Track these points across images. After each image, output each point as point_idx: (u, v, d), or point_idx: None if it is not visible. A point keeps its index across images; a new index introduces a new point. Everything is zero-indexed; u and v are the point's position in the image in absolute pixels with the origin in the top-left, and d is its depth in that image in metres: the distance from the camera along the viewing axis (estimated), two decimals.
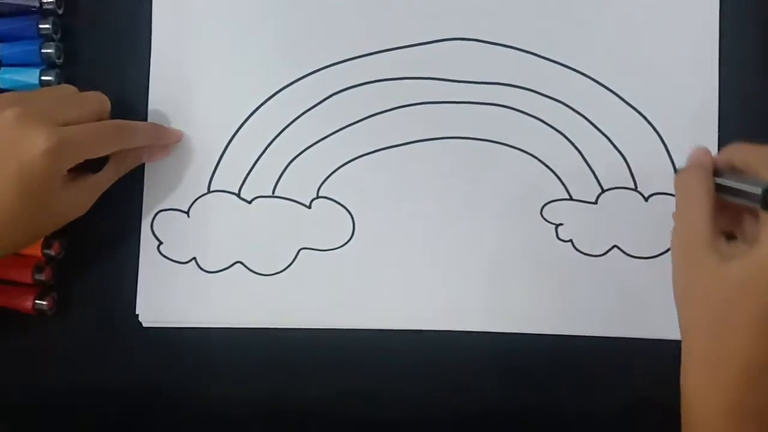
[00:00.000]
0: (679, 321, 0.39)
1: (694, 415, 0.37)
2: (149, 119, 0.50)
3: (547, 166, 0.49)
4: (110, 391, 0.50)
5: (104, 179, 0.47)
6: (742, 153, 0.40)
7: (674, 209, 0.48)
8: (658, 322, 0.48)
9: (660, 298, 0.48)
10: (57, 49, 0.50)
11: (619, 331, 0.48)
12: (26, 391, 0.50)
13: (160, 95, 0.50)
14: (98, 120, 0.46)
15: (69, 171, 0.43)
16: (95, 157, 0.44)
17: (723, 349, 0.36)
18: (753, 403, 0.36)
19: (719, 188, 0.40)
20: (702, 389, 0.37)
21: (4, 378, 0.50)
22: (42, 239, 0.49)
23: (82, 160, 0.43)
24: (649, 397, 0.48)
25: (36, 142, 0.40)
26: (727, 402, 0.36)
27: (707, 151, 0.42)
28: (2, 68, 0.50)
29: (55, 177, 0.42)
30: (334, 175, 0.49)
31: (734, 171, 0.40)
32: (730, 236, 0.40)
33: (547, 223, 0.49)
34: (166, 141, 0.49)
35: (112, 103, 0.47)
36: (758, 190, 0.37)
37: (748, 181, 0.38)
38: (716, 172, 0.41)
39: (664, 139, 0.49)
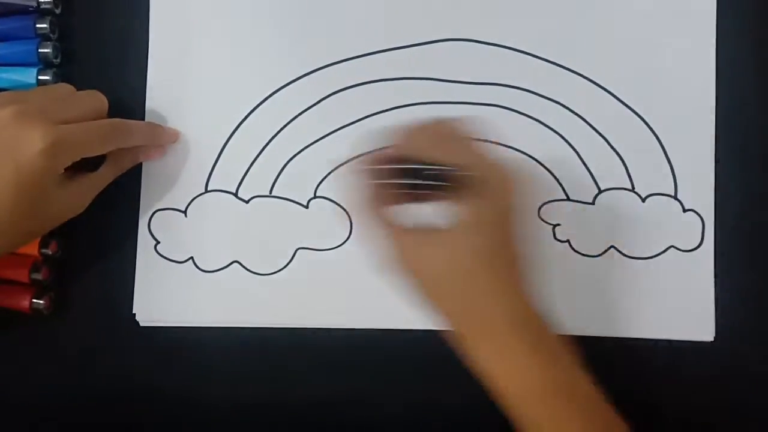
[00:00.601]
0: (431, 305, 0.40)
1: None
2: (147, 119, 0.50)
3: (544, 167, 0.49)
4: (107, 390, 0.50)
5: (101, 178, 0.47)
6: (405, 145, 0.39)
7: (672, 210, 0.48)
8: (654, 321, 0.48)
9: (656, 298, 0.48)
10: (54, 48, 0.50)
11: (615, 331, 0.48)
12: (23, 391, 0.50)
13: (158, 95, 0.50)
14: (95, 119, 0.45)
15: (66, 170, 0.43)
16: (92, 155, 0.44)
17: (485, 313, 0.38)
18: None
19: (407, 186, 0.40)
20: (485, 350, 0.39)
21: (0, 377, 0.50)
22: (39, 238, 0.49)
23: (78, 159, 0.43)
24: (645, 396, 0.48)
25: (33, 141, 0.40)
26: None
27: (368, 167, 0.41)
28: None
29: (51, 175, 0.42)
30: (331, 175, 0.49)
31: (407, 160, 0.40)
32: None
33: (544, 223, 0.49)
34: (163, 141, 0.49)
35: (109, 103, 0.47)
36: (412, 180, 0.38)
37: (417, 173, 0.39)
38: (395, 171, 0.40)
39: (661, 139, 0.49)
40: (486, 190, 0.38)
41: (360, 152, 0.44)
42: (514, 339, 0.38)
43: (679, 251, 0.48)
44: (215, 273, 0.49)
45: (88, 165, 0.46)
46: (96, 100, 0.46)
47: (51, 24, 0.50)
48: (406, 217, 0.40)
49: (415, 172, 0.39)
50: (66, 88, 0.47)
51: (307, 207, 0.49)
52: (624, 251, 0.48)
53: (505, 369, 0.38)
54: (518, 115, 0.49)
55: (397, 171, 0.40)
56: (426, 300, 0.40)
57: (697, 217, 0.48)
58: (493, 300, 0.38)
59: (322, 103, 0.50)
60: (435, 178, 0.38)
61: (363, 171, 0.41)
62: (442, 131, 0.40)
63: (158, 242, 0.50)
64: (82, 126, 0.43)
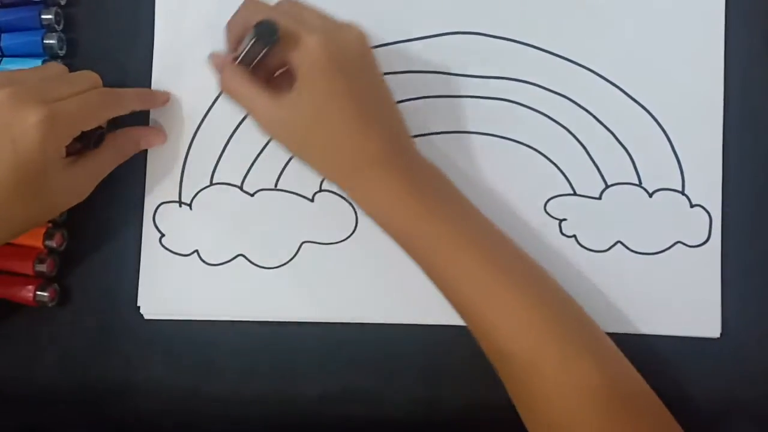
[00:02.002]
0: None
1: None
2: (152, 112, 0.50)
3: (551, 161, 0.49)
4: (111, 383, 0.50)
5: (102, 164, 0.47)
6: (235, 25, 0.44)
7: (679, 206, 0.48)
8: (661, 318, 0.48)
9: (663, 294, 0.48)
10: (59, 39, 0.50)
11: (621, 326, 0.48)
12: (27, 383, 0.50)
13: (163, 86, 0.50)
14: None
15: (67, 157, 0.43)
16: (89, 127, 0.44)
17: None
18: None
19: (249, 59, 0.43)
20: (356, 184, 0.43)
21: (4, 370, 0.50)
22: (43, 230, 0.49)
23: (77, 133, 0.43)
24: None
25: (28, 119, 0.40)
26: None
27: (216, 54, 0.46)
28: (4, 59, 0.50)
29: (51, 155, 0.42)
30: None
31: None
32: None
33: (550, 218, 0.49)
34: (154, 103, 0.49)
35: None
36: (252, 38, 0.40)
37: (247, 37, 0.41)
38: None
39: (669, 134, 0.48)
40: (307, 47, 0.41)
41: None
42: (376, 172, 0.42)
43: (686, 247, 0.48)
44: (220, 266, 0.49)
45: (90, 153, 0.46)
46: (89, 79, 0.46)
47: (56, 15, 0.50)
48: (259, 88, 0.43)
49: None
50: (58, 67, 0.46)
51: (312, 200, 0.49)
52: (630, 246, 0.48)
53: (379, 200, 0.42)
54: (525, 109, 0.49)
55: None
56: (297, 156, 0.44)
57: (705, 213, 0.48)
58: (344, 142, 0.42)
59: None
60: (264, 37, 0.41)
61: (227, 62, 0.44)
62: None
63: (163, 235, 0.50)
64: (73, 99, 0.43)
